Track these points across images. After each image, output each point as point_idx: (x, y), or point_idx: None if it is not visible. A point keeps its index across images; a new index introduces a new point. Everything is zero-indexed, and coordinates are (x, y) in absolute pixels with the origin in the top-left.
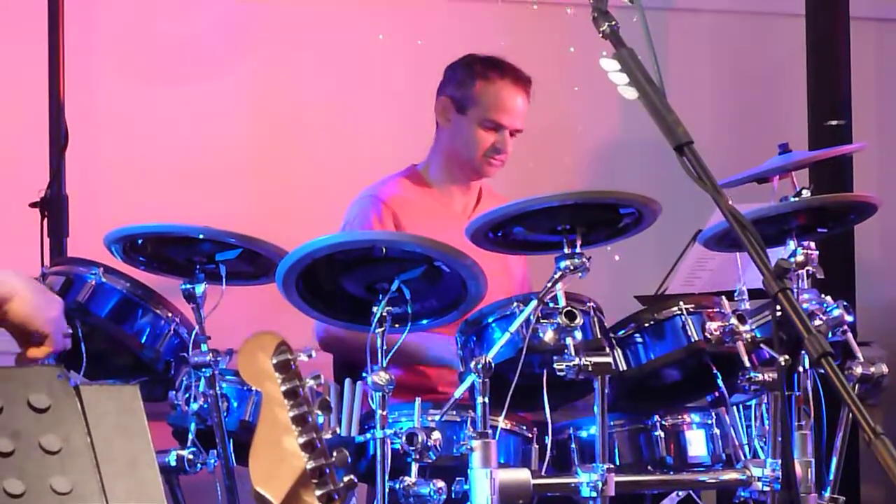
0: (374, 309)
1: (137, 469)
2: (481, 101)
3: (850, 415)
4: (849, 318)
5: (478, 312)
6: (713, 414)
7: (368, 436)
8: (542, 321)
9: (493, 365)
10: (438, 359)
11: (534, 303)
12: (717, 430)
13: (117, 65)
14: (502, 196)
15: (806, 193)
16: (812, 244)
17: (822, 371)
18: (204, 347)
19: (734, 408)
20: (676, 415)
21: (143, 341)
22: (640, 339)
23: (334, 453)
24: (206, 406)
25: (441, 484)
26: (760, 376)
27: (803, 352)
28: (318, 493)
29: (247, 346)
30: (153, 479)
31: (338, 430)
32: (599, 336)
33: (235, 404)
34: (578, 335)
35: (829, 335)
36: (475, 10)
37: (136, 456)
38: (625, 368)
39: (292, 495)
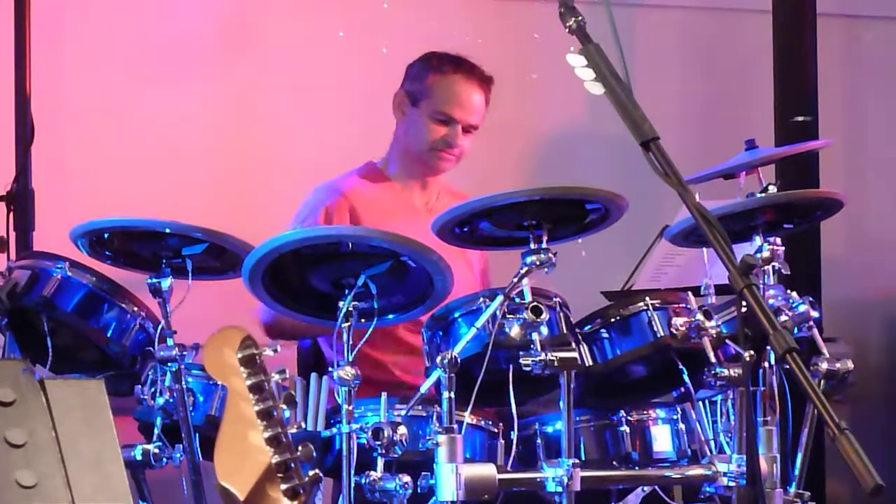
0: (341, 304)
1: (103, 464)
2: (433, 93)
3: (816, 410)
4: (814, 315)
5: (444, 308)
6: (679, 409)
7: (334, 430)
8: (508, 316)
9: (459, 360)
10: None
11: (500, 298)
12: (682, 426)
13: (83, 60)
14: (462, 193)
15: (772, 189)
16: (778, 240)
17: (788, 367)
18: (170, 342)
19: (700, 403)
20: (642, 410)
21: (109, 336)
22: (606, 335)
23: (299, 448)
24: (171, 401)
25: (407, 479)
26: (726, 372)
27: (769, 347)
28: (283, 487)
29: (212, 341)
30: (118, 473)
31: (303, 425)
32: (565, 331)
33: (201, 399)
34: (544, 330)
35: (795, 331)
36: (439, 4)
37: (102, 450)
38: (591, 364)
39: (257, 490)
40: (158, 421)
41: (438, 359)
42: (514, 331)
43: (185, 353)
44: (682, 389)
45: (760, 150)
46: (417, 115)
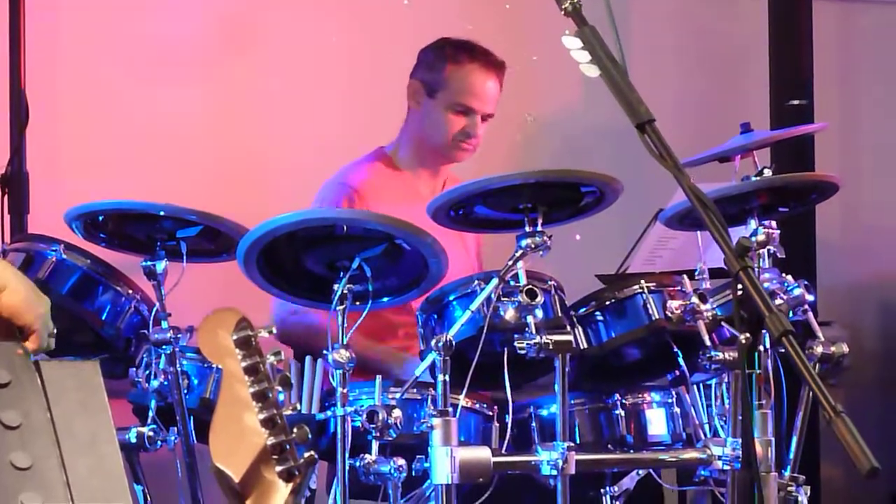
0: (335, 287)
1: (98, 446)
2: (451, 84)
3: (811, 393)
4: (809, 298)
5: (439, 290)
6: (674, 393)
7: (329, 413)
8: (503, 299)
9: (453, 343)
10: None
11: (495, 281)
12: (677, 409)
13: (79, 41)
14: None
15: (767, 173)
16: (773, 223)
17: (783, 350)
18: (164, 324)
19: (695, 387)
20: (637, 393)
21: (103, 318)
22: (600, 318)
23: (295, 430)
24: (166, 383)
25: (401, 462)
26: (721, 355)
27: (764, 331)
28: (279, 469)
29: (208, 323)
30: (113, 455)
31: (298, 407)
32: (560, 314)
33: (196, 381)
34: (539, 313)
35: (790, 315)
36: None
37: (97, 432)
38: (585, 347)
39: (252, 472)
40: (153, 404)
41: (433, 342)
42: (509, 314)
43: (179, 335)
44: (677, 373)
45: (756, 134)
46: (434, 106)
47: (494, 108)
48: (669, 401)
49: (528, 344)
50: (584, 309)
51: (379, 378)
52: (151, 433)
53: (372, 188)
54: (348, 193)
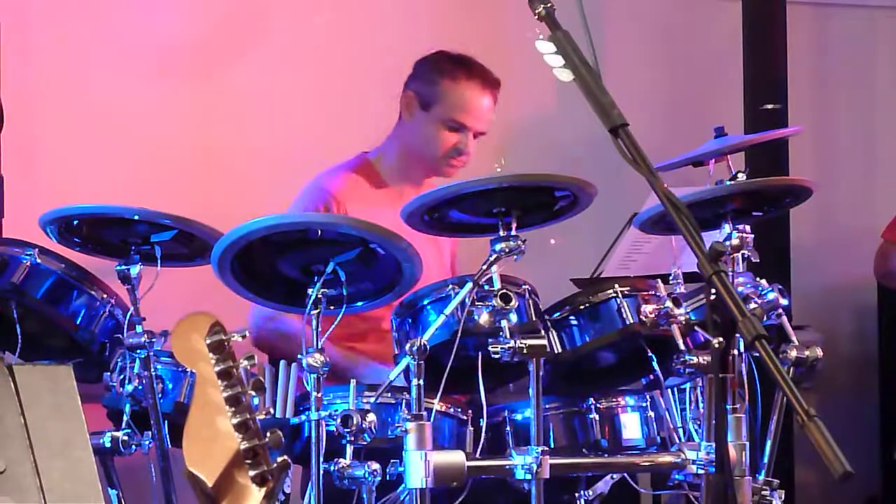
0: (310, 291)
1: (71, 450)
2: (446, 100)
3: (785, 398)
4: (784, 302)
5: (413, 295)
6: (648, 397)
7: (303, 417)
8: (477, 304)
9: (427, 347)
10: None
11: (469, 285)
12: (651, 413)
13: (54, 45)
14: None
15: (741, 177)
16: (747, 228)
17: (757, 354)
18: (139, 329)
19: (669, 391)
20: (611, 398)
21: (78, 322)
22: (575, 322)
23: (268, 434)
24: (140, 387)
25: (376, 466)
26: (695, 359)
27: (738, 334)
28: (252, 473)
29: (181, 327)
30: (87, 459)
31: (272, 411)
32: (535, 319)
33: (170, 386)
34: (513, 318)
35: (765, 319)
36: None
37: (70, 437)
38: (560, 351)
39: (225, 476)
40: (127, 408)
41: (407, 346)
42: (483, 318)
43: (153, 339)
44: (651, 377)
45: (730, 138)
46: (428, 120)
47: (487, 126)
48: (644, 405)
49: (502, 348)
50: (558, 313)
51: (353, 382)
52: (126, 437)
53: (349, 197)
54: (326, 199)
